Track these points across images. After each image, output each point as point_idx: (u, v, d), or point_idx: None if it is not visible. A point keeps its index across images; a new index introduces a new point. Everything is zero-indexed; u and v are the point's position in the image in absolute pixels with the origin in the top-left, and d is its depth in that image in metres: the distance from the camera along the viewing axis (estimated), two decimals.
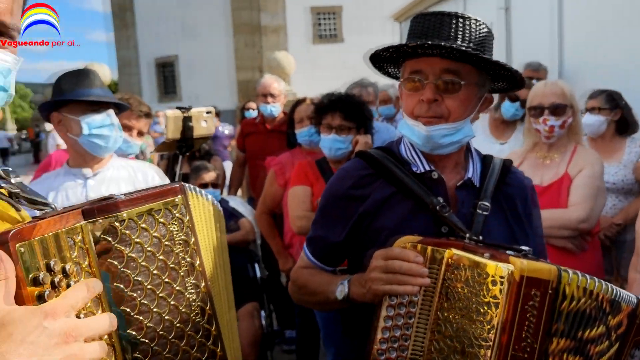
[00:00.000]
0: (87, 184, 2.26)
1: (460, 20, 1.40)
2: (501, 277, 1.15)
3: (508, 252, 1.22)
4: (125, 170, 2.33)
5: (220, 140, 7.16)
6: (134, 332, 0.92)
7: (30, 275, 0.75)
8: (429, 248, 1.27)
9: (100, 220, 0.88)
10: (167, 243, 0.97)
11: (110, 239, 0.89)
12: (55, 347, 0.71)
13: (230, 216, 3.95)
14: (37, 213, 0.96)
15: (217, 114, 8.56)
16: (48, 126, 10.80)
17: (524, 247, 1.25)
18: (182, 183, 1.04)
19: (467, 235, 1.35)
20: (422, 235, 1.32)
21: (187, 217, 1.01)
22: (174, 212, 0.99)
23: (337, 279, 1.50)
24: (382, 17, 19.46)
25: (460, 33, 1.39)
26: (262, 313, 3.74)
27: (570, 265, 1.32)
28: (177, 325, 0.98)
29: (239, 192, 5.37)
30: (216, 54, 21.39)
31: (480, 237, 1.37)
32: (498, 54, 1.46)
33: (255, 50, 20.99)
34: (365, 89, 3.96)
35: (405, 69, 1.48)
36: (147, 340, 0.94)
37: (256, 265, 3.98)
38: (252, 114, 6.62)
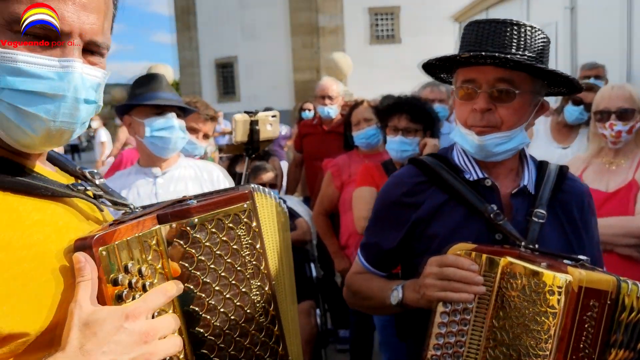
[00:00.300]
0: (157, 182, 2.38)
1: (515, 27, 1.39)
2: (559, 287, 1.15)
3: (565, 261, 1.22)
4: (192, 169, 2.44)
5: (277, 141, 7.28)
6: (201, 330, 0.99)
7: (111, 276, 0.83)
8: (484, 256, 1.28)
9: (174, 225, 0.96)
10: (234, 247, 1.04)
11: (182, 242, 0.96)
12: (134, 345, 0.79)
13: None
14: (113, 210, 1.05)
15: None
16: (94, 124, 11.34)
17: (581, 257, 1.24)
18: (251, 188, 1.10)
19: (523, 243, 1.34)
20: (476, 242, 1.33)
21: (255, 223, 1.07)
22: (242, 217, 1.05)
23: (391, 284, 1.52)
24: (441, 17, 19.15)
25: (515, 41, 1.37)
26: (317, 312, 3.79)
27: (636, 275, 1.29)
28: (242, 324, 1.05)
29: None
30: (274, 55, 21.70)
31: (536, 246, 1.36)
32: (563, 55, 1.44)
33: (313, 51, 21.16)
34: (437, 88, 3.93)
35: (458, 77, 1.48)
36: (213, 338, 1.01)
37: (312, 265, 4.04)
38: (309, 114, 6.71)
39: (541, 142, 3.55)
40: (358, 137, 3.35)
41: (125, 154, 3.38)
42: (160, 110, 2.30)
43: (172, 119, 2.32)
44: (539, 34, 1.41)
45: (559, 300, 1.14)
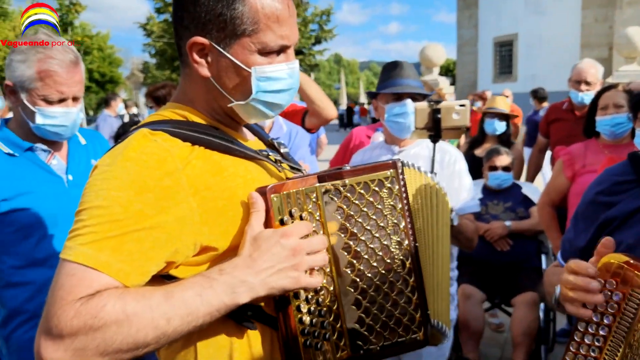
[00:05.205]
0: (393, 158, 2.64)
1: None
2: None
3: None
4: (427, 149, 2.61)
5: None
6: (348, 270, 1.24)
7: (279, 217, 1.14)
8: (635, 272, 1.13)
9: (330, 184, 1.21)
10: (378, 206, 1.25)
11: (335, 198, 1.21)
12: (286, 257, 1.10)
13: (520, 202, 3.93)
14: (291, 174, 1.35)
15: (539, 98, 8.22)
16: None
17: None
18: (396, 160, 1.28)
19: None
20: None
21: (397, 187, 1.25)
22: (386, 183, 1.25)
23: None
24: None
25: None
26: (542, 306, 3.63)
27: None
28: (382, 271, 1.26)
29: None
30: (559, 32, 19.96)
31: None
32: None
33: (607, 26, 18.75)
34: None
35: None
36: (357, 279, 1.24)
37: (543, 257, 3.87)
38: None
39: None
40: (601, 123, 3.05)
41: (355, 132, 3.80)
42: (398, 96, 2.57)
43: (407, 105, 2.54)
44: None
45: None
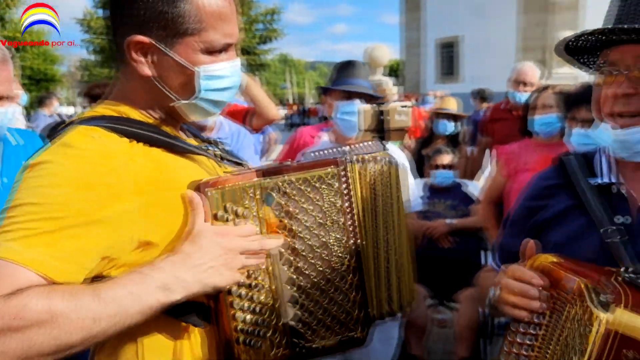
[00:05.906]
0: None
1: None
2: (599, 328, 1.02)
3: None
4: None
5: None
6: (285, 267, 1.21)
7: (213, 212, 1.11)
8: (562, 274, 1.15)
9: (269, 179, 1.18)
10: (318, 203, 1.23)
11: (274, 194, 1.19)
12: (220, 255, 1.09)
13: (463, 200, 4.03)
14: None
15: (480, 98, 8.48)
16: None
17: None
18: (340, 157, 1.26)
19: (624, 269, 1.13)
20: (590, 258, 1.20)
21: (337, 184, 1.24)
22: (326, 179, 1.23)
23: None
24: None
25: None
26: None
27: None
28: (320, 269, 1.24)
29: None
30: (501, 35, 20.70)
31: None
32: None
33: (543, 30, 19.61)
34: None
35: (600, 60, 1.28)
36: (294, 276, 1.22)
37: (483, 253, 3.98)
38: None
39: None
40: (532, 122, 3.18)
41: (300, 132, 3.79)
42: (348, 95, 2.58)
43: (355, 105, 2.55)
44: None
45: (593, 342, 1.02)
